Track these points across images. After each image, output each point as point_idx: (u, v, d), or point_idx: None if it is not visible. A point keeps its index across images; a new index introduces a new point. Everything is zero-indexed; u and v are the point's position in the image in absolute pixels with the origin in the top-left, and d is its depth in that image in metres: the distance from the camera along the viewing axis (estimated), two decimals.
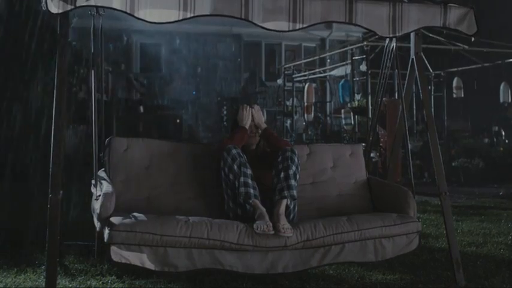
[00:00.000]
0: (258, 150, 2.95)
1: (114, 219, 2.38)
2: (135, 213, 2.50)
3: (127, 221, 2.38)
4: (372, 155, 6.87)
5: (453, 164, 7.85)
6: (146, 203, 2.79)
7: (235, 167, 2.61)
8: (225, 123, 10.22)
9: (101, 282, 2.76)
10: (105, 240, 2.34)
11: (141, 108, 9.01)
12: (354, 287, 2.72)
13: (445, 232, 2.89)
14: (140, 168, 2.88)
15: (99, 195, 2.47)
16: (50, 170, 2.39)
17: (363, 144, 3.56)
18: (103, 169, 2.88)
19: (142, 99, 9.61)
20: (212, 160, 2.82)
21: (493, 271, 3.02)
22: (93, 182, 2.71)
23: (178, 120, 9.18)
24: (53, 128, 2.43)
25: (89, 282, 2.77)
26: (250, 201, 2.56)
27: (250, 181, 2.61)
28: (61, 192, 2.40)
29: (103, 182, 2.65)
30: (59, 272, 2.83)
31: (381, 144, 7.02)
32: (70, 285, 2.72)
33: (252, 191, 2.58)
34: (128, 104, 9.14)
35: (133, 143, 2.92)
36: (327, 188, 3.12)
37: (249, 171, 2.63)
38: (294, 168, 2.66)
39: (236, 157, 2.64)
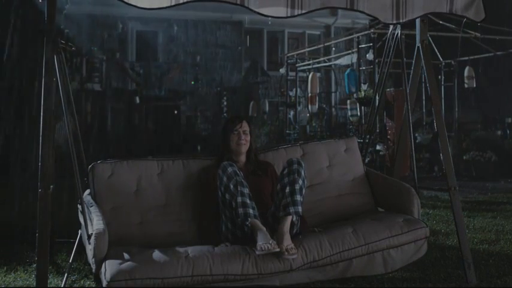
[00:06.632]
0: (249, 163, 2.87)
1: (110, 266, 2.24)
2: (130, 250, 2.39)
3: (124, 266, 2.24)
4: (379, 147, 6.72)
5: (464, 157, 7.68)
6: (138, 230, 2.68)
7: (232, 186, 2.52)
8: (225, 114, 10.07)
9: (94, 282, 2.66)
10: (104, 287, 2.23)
11: (137, 99, 8.86)
12: (360, 286, 2.61)
13: (455, 229, 2.79)
14: (128, 194, 2.74)
15: (91, 234, 2.34)
16: (40, 163, 2.30)
17: (372, 135, 3.44)
18: (88, 192, 2.75)
19: (138, 89, 9.42)
20: (201, 178, 2.80)
21: (506, 270, 2.92)
22: (79, 207, 2.60)
23: (176, 112, 9.04)
24: (41, 120, 2.33)
25: (82, 282, 2.70)
26: (247, 223, 2.46)
27: (248, 201, 2.51)
28: (51, 186, 2.29)
29: (92, 212, 2.51)
30: (51, 270, 2.80)
31: (388, 137, 6.87)
32: (62, 285, 2.62)
33: (251, 211, 2.48)
34: (123, 94, 8.98)
35: (117, 167, 2.77)
36: (325, 190, 3.03)
37: (246, 190, 2.53)
38: (300, 182, 2.55)
39: (232, 176, 2.54)
